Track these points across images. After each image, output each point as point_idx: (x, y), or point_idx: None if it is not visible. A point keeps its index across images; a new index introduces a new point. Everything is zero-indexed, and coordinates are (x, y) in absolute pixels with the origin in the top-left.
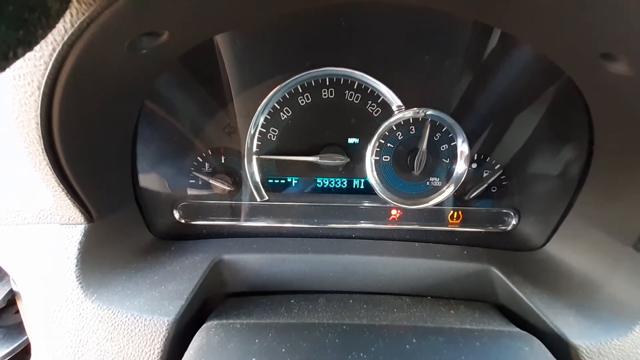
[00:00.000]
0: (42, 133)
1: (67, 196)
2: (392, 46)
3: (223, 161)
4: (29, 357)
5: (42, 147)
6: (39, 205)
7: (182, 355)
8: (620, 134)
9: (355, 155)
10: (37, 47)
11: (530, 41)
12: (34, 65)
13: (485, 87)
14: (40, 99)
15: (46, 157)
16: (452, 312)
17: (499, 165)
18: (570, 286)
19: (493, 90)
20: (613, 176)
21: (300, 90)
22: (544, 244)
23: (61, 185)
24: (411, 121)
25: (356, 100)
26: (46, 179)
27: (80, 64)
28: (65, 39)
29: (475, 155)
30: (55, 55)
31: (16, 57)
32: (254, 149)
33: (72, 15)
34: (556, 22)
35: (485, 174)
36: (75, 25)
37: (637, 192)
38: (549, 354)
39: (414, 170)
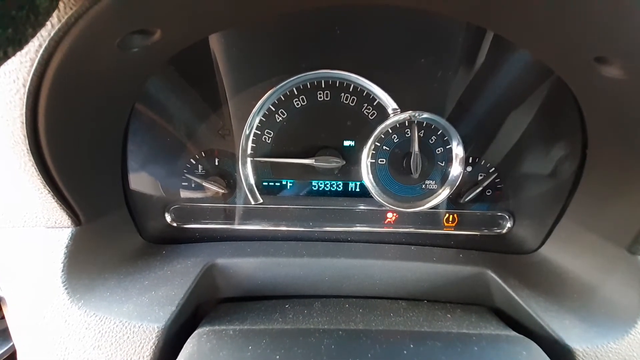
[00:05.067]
0: (27, 132)
1: (54, 198)
2: (388, 49)
3: (217, 163)
4: None
5: (27, 147)
6: (25, 208)
7: None
8: (614, 137)
9: (351, 158)
10: None
11: (524, 44)
12: (20, 62)
13: (480, 90)
14: (25, 97)
15: (31, 158)
16: (449, 316)
17: (493, 169)
18: (566, 289)
19: (488, 94)
20: (607, 179)
21: (296, 93)
22: (539, 247)
23: (47, 187)
24: (407, 124)
25: (352, 103)
26: (32, 181)
27: (68, 61)
28: (52, 34)
29: (470, 158)
30: (41, 51)
31: (7, 56)
32: (249, 151)
33: (59, 10)
34: (550, 25)
35: (480, 177)
36: (63, 21)
37: (631, 194)
38: (547, 359)
39: (411, 173)
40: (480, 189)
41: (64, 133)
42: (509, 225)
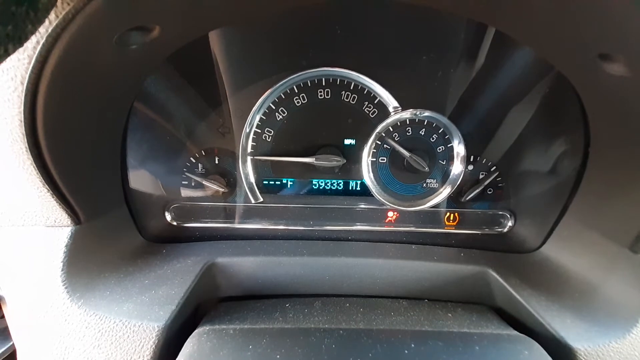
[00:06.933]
0: (25, 130)
1: (53, 197)
2: (389, 47)
3: (217, 162)
4: None
5: (26, 145)
6: (24, 207)
7: None
8: (617, 135)
9: (352, 156)
10: None
11: (526, 41)
12: (17, 59)
13: (482, 88)
14: (23, 94)
15: (30, 156)
16: (450, 315)
17: (495, 167)
18: (567, 288)
19: (489, 92)
20: (609, 177)
21: (296, 91)
22: (540, 246)
23: (46, 186)
24: (408, 122)
25: (352, 101)
26: (31, 179)
27: (66, 58)
28: (50, 31)
29: (472, 156)
30: (39, 48)
31: (7, 53)
32: (249, 149)
33: (57, 7)
34: (554, 22)
35: (481, 176)
36: (60, 17)
37: (633, 192)
38: (549, 358)
39: (412, 172)
40: (481, 187)
41: (62, 131)
42: (510, 224)
